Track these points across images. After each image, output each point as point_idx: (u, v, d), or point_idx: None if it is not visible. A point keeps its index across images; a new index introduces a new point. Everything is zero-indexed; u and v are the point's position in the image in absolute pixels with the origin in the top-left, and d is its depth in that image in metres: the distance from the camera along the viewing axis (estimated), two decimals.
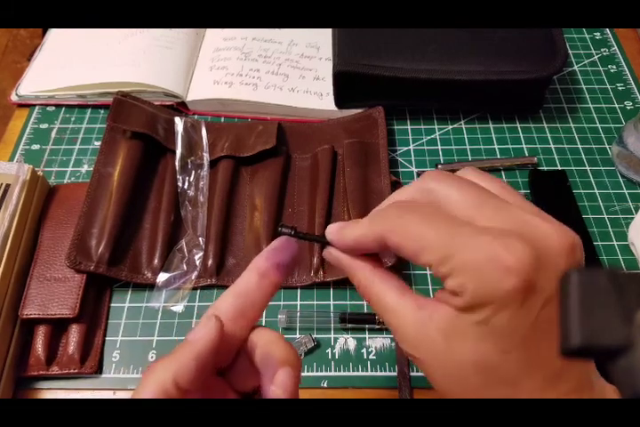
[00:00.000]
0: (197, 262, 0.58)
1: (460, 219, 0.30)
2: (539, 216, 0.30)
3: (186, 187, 0.62)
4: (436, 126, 0.71)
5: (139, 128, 0.64)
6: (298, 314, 0.56)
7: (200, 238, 0.59)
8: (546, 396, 0.29)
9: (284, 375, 0.33)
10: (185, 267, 0.58)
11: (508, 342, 0.29)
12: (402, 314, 0.32)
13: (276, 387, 0.33)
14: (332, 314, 0.56)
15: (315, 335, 0.55)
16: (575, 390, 0.29)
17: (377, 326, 0.55)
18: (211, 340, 0.33)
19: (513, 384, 0.30)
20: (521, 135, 0.71)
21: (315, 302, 0.57)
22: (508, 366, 0.29)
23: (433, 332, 0.30)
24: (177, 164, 0.63)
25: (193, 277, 0.58)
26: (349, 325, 0.55)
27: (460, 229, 0.29)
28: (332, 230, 0.35)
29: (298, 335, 0.55)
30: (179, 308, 0.57)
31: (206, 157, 0.64)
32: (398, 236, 0.31)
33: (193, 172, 0.64)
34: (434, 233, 0.30)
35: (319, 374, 0.53)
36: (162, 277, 0.57)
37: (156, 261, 0.58)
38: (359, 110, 0.69)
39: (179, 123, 0.65)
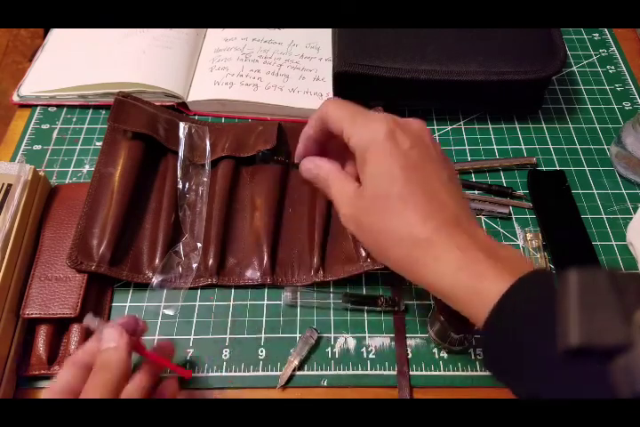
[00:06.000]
0: (193, 267, 0.58)
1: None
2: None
3: (185, 191, 0.62)
4: (436, 127, 0.72)
5: (139, 128, 0.64)
6: (298, 294, 0.57)
7: (197, 243, 0.59)
8: (426, 225, 0.39)
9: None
10: (180, 270, 0.58)
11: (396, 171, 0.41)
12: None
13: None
14: (331, 295, 0.57)
15: (316, 335, 0.55)
16: (447, 223, 0.39)
17: (378, 308, 0.56)
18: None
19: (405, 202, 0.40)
20: (520, 136, 0.71)
21: (315, 302, 0.58)
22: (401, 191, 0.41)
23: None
24: (179, 167, 0.63)
25: (188, 281, 0.58)
26: (351, 305, 0.56)
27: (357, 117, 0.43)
28: (301, 143, 0.48)
29: (298, 334, 0.55)
30: (170, 311, 0.57)
31: (208, 162, 0.64)
32: (330, 116, 0.44)
33: (193, 176, 0.64)
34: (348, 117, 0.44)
35: (319, 372, 0.53)
36: (157, 277, 0.58)
37: (156, 261, 0.58)
38: None
39: (182, 128, 0.65)
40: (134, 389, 0.43)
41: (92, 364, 0.44)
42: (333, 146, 0.48)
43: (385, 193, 0.41)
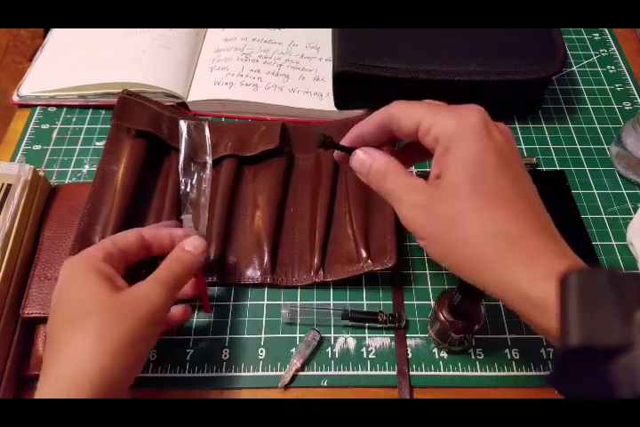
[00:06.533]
0: None
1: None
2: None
3: (188, 189, 0.62)
4: None
5: (143, 126, 0.64)
6: (298, 310, 0.56)
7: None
8: (519, 224, 0.37)
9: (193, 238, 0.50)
10: None
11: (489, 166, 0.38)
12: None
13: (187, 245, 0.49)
14: (331, 312, 0.56)
15: (319, 336, 0.55)
16: (540, 226, 0.38)
17: (378, 325, 0.55)
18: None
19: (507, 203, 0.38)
20: (520, 136, 0.71)
21: (315, 302, 0.58)
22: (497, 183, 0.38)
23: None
24: (180, 166, 0.63)
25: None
26: (350, 322, 0.56)
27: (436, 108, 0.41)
28: (348, 137, 0.46)
29: (298, 334, 0.55)
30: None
31: (209, 160, 0.64)
32: (399, 115, 0.42)
33: (195, 174, 0.64)
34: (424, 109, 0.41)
35: (319, 373, 0.53)
36: None
37: (157, 259, 0.58)
38: (359, 111, 0.69)
39: (183, 126, 0.65)
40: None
41: (155, 243, 0.50)
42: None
43: (473, 180, 0.37)
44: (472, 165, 0.38)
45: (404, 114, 0.42)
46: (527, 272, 0.35)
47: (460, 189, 0.38)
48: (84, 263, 0.45)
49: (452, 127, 0.39)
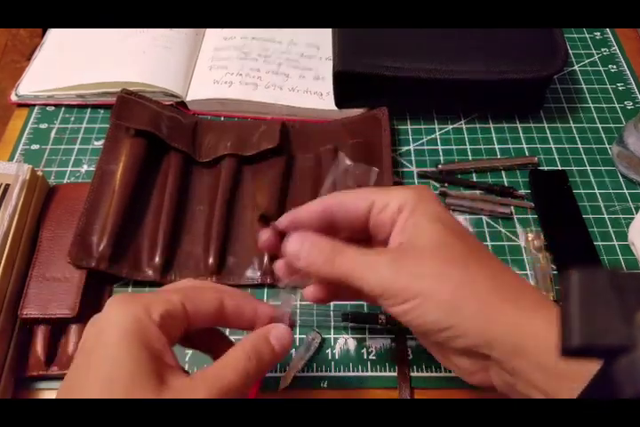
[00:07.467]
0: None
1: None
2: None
3: (187, 189, 0.62)
4: (437, 126, 0.71)
5: (142, 126, 0.64)
6: (298, 311, 0.56)
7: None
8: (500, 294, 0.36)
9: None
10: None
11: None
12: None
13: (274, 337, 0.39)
14: (332, 313, 0.56)
15: (319, 337, 0.54)
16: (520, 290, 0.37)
17: (378, 326, 0.55)
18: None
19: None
20: (521, 135, 0.71)
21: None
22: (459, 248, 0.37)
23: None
24: (180, 164, 0.63)
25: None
26: (351, 324, 0.55)
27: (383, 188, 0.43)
28: (282, 219, 0.42)
29: (298, 335, 0.55)
30: None
31: (209, 158, 0.64)
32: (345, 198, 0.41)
33: (195, 174, 0.64)
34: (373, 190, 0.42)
35: (319, 374, 0.53)
36: None
37: (157, 258, 0.58)
38: (360, 110, 0.69)
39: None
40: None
41: (233, 315, 0.39)
42: None
43: (455, 234, 0.38)
44: (447, 221, 0.39)
45: (353, 197, 0.41)
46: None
47: (450, 244, 0.37)
48: (130, 322, 0.35)
49: (414, 195, 0.40)
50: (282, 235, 0.41)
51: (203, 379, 0.35)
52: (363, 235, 0.42)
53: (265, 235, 0.42)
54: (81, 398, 0.33)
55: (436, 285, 0.36)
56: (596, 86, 0.76)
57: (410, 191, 0.40)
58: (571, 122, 0.72)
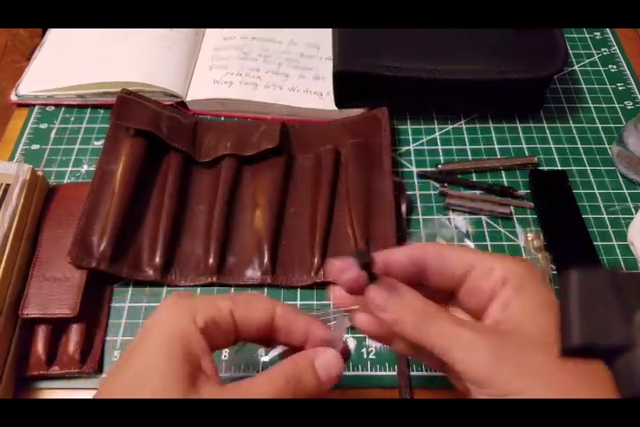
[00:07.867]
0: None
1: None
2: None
3: (187, 188, 0.62)
4: (436, 126, 0.71)
5: (142, 126, 0.64)
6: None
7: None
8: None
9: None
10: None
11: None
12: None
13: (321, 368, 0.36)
14: (331, 312, 0.56)
15: None
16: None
17: None
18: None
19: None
20: (521, 135, 0.71)
21: (315, 302, 0.57)
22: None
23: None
24: (180, 164, 0.63)
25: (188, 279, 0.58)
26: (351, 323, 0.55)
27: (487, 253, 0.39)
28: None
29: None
30: None
31: (209, 158, 0.64)
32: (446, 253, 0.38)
33: (196, 174, 0.64)
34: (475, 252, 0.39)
35: None
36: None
37: (157, 258, 0.58)
38: (359, 110, 0.69)
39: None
40: None
41: (283, 330, 0.38)
42: None
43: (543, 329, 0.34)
44: (551, 313, 0.34)
45: (456, 253, 0.38)
46: None
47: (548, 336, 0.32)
48: (174, 324, 0.35)
49: (522, 271, 0.36)
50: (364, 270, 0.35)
51: (233, 391, 0.34)
52: (445, 293, 0.39)
53: (351, 273, 0.35)
54: (110, 392, 0.34)
55: (542, 386, 0.32)
56: (596, 86, 0.76)
57: (517, 264, 0.37)
58: (571, 122, 0.72)
